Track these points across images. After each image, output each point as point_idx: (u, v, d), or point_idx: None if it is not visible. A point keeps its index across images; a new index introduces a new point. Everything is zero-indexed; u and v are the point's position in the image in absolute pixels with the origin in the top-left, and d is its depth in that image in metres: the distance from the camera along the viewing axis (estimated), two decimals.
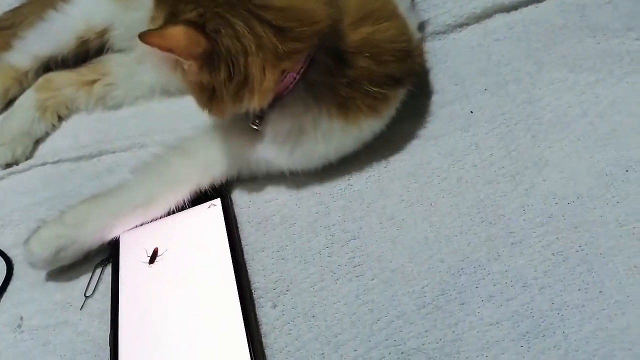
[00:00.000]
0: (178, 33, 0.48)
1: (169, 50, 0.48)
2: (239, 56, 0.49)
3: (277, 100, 0.55)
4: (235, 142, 0.61)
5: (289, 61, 0.50)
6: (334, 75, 0.54)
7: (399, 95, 0.60)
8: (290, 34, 0.49)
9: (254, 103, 0.52)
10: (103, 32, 0.78)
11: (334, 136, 0.58)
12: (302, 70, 0.53)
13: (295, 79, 0.53)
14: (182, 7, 0.49)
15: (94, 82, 0.77)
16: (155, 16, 0.53)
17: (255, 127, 0.58)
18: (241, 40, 0.48)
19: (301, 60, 0.52)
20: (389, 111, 0.60)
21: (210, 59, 0.49)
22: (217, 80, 0.50)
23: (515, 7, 0.71)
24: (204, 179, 0.62)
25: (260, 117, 0.57)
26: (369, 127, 0.59)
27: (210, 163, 0.62)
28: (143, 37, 0.48)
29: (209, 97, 0.52)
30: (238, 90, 0.51)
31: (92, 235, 0.60)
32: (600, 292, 0.49)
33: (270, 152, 0.59)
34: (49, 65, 0.80)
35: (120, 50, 0.79)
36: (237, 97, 0.51)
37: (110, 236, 0.61)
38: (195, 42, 0.48)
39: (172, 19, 0.50)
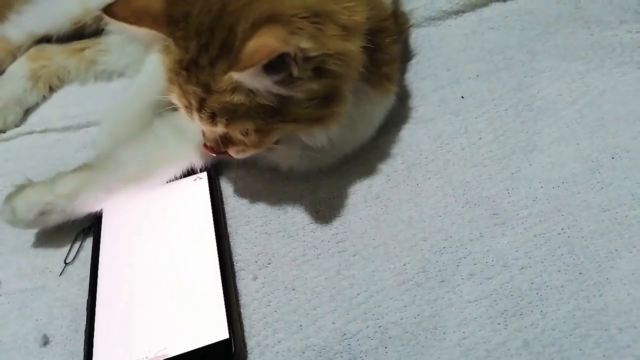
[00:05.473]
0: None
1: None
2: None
3: None
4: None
5: None
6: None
7: (399, 52, 0.61)
8: None
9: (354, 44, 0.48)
10: (100, 17, 0.77)
11: (373, 111, 0.59)
12: None
13: None
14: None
15: (84, 49, 0.77)
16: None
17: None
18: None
19: None
20: (398, 75, 0.61)
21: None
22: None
23: None
24: (198, 160, 0.62)
25: None
26: (393, 94, 0.60)
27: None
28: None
29: (328, 100, 0.48)
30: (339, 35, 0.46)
31: (81, 207, 0.59)
32: (580, 274, 0.49)
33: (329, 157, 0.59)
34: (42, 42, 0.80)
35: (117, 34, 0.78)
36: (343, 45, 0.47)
37: (98, 207, 0.61)
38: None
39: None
